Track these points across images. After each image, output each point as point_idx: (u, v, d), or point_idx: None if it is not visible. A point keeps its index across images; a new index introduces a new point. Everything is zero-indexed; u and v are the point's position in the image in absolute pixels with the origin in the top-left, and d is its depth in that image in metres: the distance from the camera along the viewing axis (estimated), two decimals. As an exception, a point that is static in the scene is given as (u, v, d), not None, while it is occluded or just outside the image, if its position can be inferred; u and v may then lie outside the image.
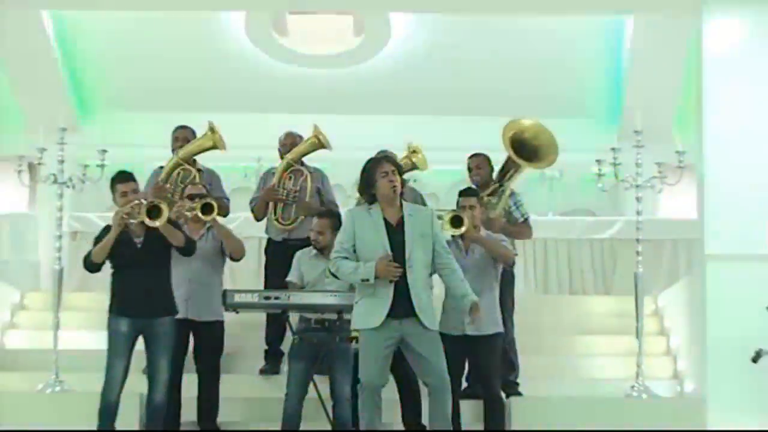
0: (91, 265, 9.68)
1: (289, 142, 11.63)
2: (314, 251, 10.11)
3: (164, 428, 10.06)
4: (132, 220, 9.36)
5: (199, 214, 10.29)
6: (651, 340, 12.27)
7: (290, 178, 11.45)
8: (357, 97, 15.70)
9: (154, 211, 9.34)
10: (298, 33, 16.24)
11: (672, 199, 13.88)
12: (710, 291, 11.23)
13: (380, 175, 8.96)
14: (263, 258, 11.83)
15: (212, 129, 11.32)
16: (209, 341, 10.58)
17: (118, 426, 9.62)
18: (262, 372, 11.45)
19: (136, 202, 9.44)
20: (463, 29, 15.46)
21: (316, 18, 16.00)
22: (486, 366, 10.05)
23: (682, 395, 11.74)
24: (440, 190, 12.96)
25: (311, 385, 10.02)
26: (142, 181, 10.31)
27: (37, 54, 15.26)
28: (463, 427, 9.91)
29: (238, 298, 10.12)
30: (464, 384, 10.40)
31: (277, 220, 11.35)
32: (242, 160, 12.05)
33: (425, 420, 9.94)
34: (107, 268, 9.81)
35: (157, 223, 9.33)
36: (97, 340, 10.48)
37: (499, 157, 11.22)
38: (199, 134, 11.47)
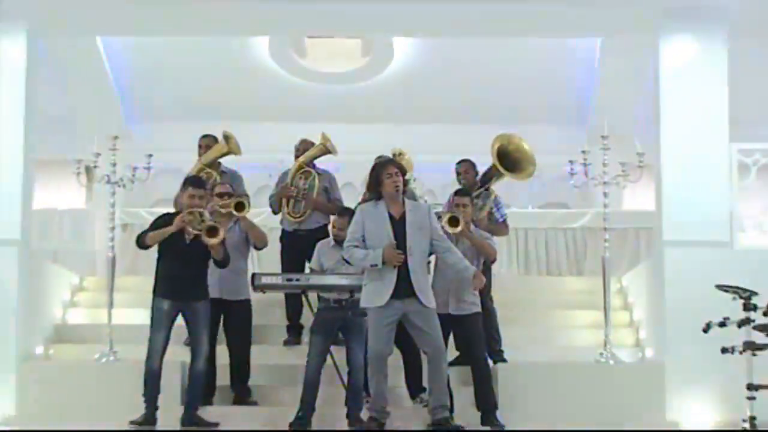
0: (143, 245, 9.82)
1: (303, 147, 11.70)
2: (333, 242, 10.21)
3: (203, 392, 10.22)
4: (190, 228, 9.53)
5: (233, 211, 10.42)
6: (616, 314, 12.28)
7: (301, 178, 11.53)
8: (365, 109, 15.72)
9: (213, 231, 9.51)
10: (315, 54, 16.26)
11: (634, 193, 13.91)
12: (667, 272, 11.30)
13: (386, 176, 9.16)
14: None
15: (226, 137, 11.39)
16: (239, 317, 10.67)
17: (162, 389, 9.76)
18: (286, 343, 11.51)
19: (198, 210, 9.64)
20: (455, 51, 15.47)
21: (330, 41, 16.03)
22: (469, 337, 10.16)
23: (643, 360, 11.79)
24: (436, 188, 13.00)
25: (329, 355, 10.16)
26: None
27: (92, 72, 15.29)
28: (452, 390, 10.00)
29: (265, 280, 10.33)
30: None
31: (289, 213, 11.43)
32: (266, 162, 12.08)
33: (425, 383, 10.04)
34: (152, 254, 9.95)
35: (212, 242, 9.51)
36: (144, 317, 10.47)
37: (484, 159, 11.27)
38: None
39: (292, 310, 11.53)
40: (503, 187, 11.82)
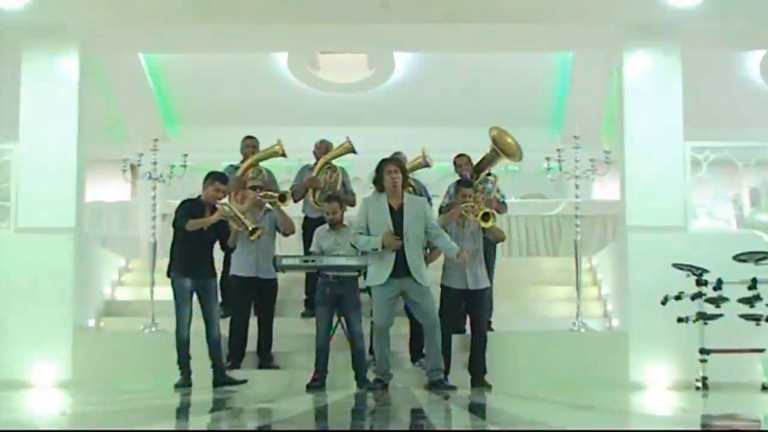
0: (180, 229, 9.81)
1: (324, 146, 11.65)
2: (328, 227, 10.18)
3: (231, 357, 10.27)
4: (232, 222, 9.72)
5: (278, 202, 10.54)
6: (587, 289, 12.27)
7: (327, 173, 11.51)
8: (370, 114, 15.70)
9: (254, 230, 9.73)
10: (327, 67, 16.25)
11: (601, 185, 13.90)
12: (630, 253, 11.30)
13: (386, 173, 9.29)
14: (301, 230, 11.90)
15: (280, 144, 11.38)
16: (268, 293, 10.70)
17: (192, 354, 9.80)
18: (303, 315, 11.49)
19: (227, 205, 9.85)
20: (447, 64, 15.44)
21: (340, 56, 16.02)
22: (479, 312, 10.20)
23: (610, 329, 11.78)
24: (432, 181, 13.01)
25: (338, 326, 10.16)
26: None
27: (135, 83, 15.29)
28: (453, 354, 10.03)
29: (285, 262, 10.36)
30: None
31: (315, 202, 11.41)
32: (287, 160, 12.07)
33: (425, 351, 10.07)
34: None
35: (252, 238, 9.78)
36: (181, 294, 10.56)
37: (475, 155, 11.28)
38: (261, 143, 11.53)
39: (311, 287, 11.52)
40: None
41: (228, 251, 10.15)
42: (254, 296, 10.64)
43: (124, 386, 9.94)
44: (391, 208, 9.28)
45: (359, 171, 13.32)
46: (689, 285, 10.21)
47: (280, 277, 10.91)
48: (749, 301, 9.87)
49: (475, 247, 10.00)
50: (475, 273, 10.05)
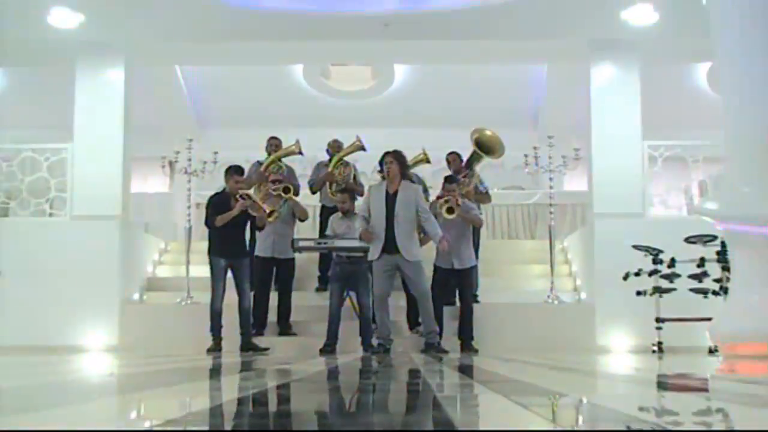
0: (212, 226, 9.86)
1: (336, 145, 11.64)
2: (341, 214, 10.21)
3: (255, 326, 10.28)
4: (251, 211, 9.73)
5: (282, 194, 10.51)
6: (559, 267, 12.29)
7: (340, 168, 11.50)
8: (373, 117, 15.67)
9: (270, 214, 9.92)
10: (336, 77, 16.24)
11: (572, 178, 13.90)
12: (596, 236, 11.34)
13: (385, 163, 9.34)
14: (317, 218, 11.90)
15: (297, 144, 11.37)
16: (286, 271, 10.71)
17: (223, 322, 9.85)
18: (317, 290, 11.52)
19: (247, 193, 9.83)
20: (440, 74, 15.46)
21: (348, 68, 16.00)
22: (465, 287, 10.28)
23: (579, 301, 11.80)
24: (426, 176, 12.99)
25: (346, 300, 10.20)
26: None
27: (172, 91, 15.30)
28: (444, 324, 10.07)
29: (302, 244, 10.42)
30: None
31: (331, 193, 11.42)
32: (302, 157, 12.09)
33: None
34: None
35: (269, 220, 10.00)
36: (212, 271, 10.59)
37: (463, 152, 11.27)
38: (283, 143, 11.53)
39: (324, 266, 11.55)
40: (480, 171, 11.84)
41: (257, 230, 10.15)
42: (273, 273, 10.67)
43: (164, 350, 9.95)
44: (387, 193, 9.35)
45: (364, 166, 13.31)
46: (647, 263, 10.22)
47: (298, 257, 10.93)
48: (698, 277, 9.88)
49: (460, 232, 10.04)
50: (460, 254, 10.11)
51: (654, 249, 10.21)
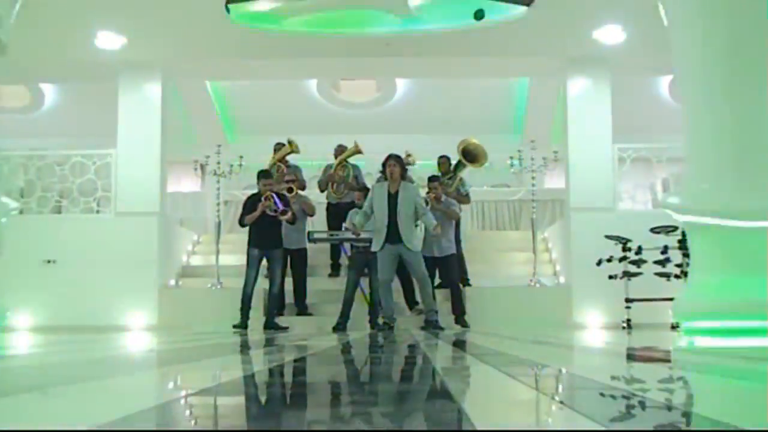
0: (244, 225, 9.93)
1: (340, 150, 11.68)
2: (357, 210, 10.23)
3: (277, 308, 10.29)
4: (268, 211, 9.71)
5: (285, 192, 10.52)
6: (541, 255, 12.26)
7: (341, 170, 11.52)
8: (377, 125, 15.66)
9: (284, 212, 9.74)
10: (346, 90, 16.21)
11: (551, 177, 13.88)
12: (573, 227, 11.33)
13: (387, 166, 9.32)
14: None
15: (289, 141, 11.39)
16: (299, 259, 10.73)
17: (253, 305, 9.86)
18: (330, 276, 11.54)
19: (271, 195, 9.76)
20: (435, 87, 15.41)
21: (355, 82, 15.96)
22: (448, 270, 10.34)
23: (558, 284, 11.79)
24: (424, 176, 12.99)
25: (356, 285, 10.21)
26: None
27: (202, 103, 15.26)
28: (438, 305, 10.07)
29: (316, 236, 10.44)
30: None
31: (333, 192, 11.45)
32: (316, 160, 12.09)
33: (417, 299, 10.12)
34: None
35: (283, 218, 9.78)
36: (239, 260, 10.59)
37: (454, 155, 11.27)
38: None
39: (335, 254, 11.59)
40: (469, 174, 11.82)
41: (289, 223, 10.06)
42: (288, 262, 10.65)
43: (196, 329, 9.97)
44: (389, 192, 9.33)
45: (369, 168, 13.32)
46: (617, 251, 10.21)
47: (313, 247, 10.95)
48: (662, 263, 9.87)
49: (442, 225, 10.06)
50: (441, 244, 10.23)
51: (623, 238, 10.20)
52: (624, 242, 10.18)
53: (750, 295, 7.41)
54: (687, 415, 2.04)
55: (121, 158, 11.66)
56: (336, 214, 11.28)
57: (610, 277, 10.16)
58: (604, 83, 11.70)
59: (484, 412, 2.07)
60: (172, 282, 11.88)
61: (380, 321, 9.58)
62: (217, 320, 10.35)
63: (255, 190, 10.19)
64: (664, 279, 9.88)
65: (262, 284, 10.11)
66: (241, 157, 12.01)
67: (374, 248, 9.32)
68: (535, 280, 11.43)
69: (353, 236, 9.79)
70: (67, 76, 13.46)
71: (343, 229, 10.51)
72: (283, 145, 11.54)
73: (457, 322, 10.07)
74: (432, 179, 10.67)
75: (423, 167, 12.82)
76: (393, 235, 9.20)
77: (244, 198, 10.36)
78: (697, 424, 1.86)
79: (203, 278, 11.95)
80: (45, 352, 5.51)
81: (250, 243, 9.90)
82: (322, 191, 11.75)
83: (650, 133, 12.79)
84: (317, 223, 12.03)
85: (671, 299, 8.55)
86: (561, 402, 2.23)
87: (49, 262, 11.18)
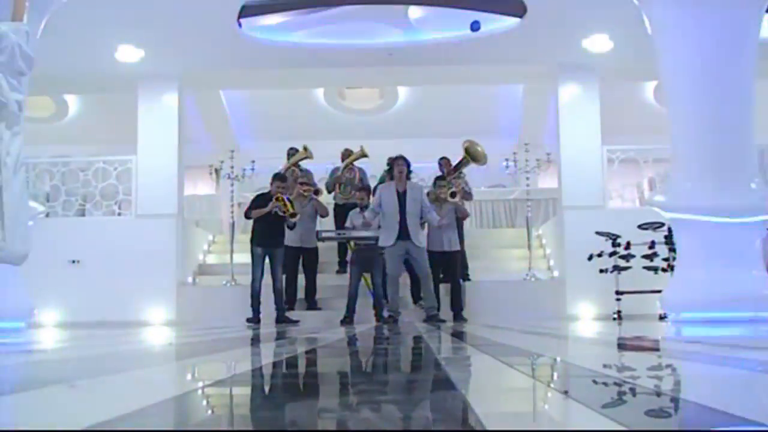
0: (249, 217, 9.94)
1: (346, 153, 11.69)
2: (359, 209, 10.22)
3: (287, 302, 10.28)
4: (278, 211, 9.72)
5: (312, 195, 10.63)
6: (536, 251, 12.28)
7: (347, 172, 11.52)
8: (380, 131, 15.64)
9: (293, 215, 9.80)
10: (351, 97, 16.20)
11: (545, 178, 13.87)
12: (566, 224, 11.31)
13: (396, 166, 9.35)
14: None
15: (305, 148, 11.38)
16: (311, 257, 10.74)
17: (262, 299, 9.90)
18: (337, 272, 11.53)
19: (282, 197, 9.77)
20: (436, 93, 15.38)
21: (360, 90, 15.95)
22: (452, 266, 10.26)
23: (552, 278, 11.77)
24: (426, 177, 12.98)
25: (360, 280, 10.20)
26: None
27: (217, 111, 15.27)
28: (440, 298, 10.07)
29: (324, 234, 10.44)
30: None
31: (340, 193, 11.45)
32: (325, 164, 12.10)
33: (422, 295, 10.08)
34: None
35: (292, 220, 9.82)
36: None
37: (454, 157, 11.25)
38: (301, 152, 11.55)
39: (342, 252, 11.57)
40: (468, 174, 11.81)
41: (288, 227, 10.04)
42: (300, 260, 10.66)
43: (212, 323, 9.98)
44: (397, 192, 9.33)
45: (374, 170, 13.34)
46: (607, 246, 10.21)
47: (321, 245, 10.95)
48: (649, 257, 9.89)
49: (448, 222, 10.05)
50: (450, 239, 10.15)
51: (613, 234, 10.19)
52: (614, 238, 10.17)
53: (733, 286, 7.42)
54: (675, 400, 2.04)
55: (141, 164, 11.68)
56: (343, 215, 11.27)
57: (601, 271, 10.15)
58: (593, 89, 11.69)
59: (483, 398, 2.07)
60: (190, 279, 11.89)
61: (385, 314, 9.58)
62: (231, 315, 10.36)
63: (266, 191, 10.18)
64: (651, 272, 9.89)
65: (269, 280, 10.10)
66: (253, 161, 12.03)
67: (385, 244, 9.30)
68: (531, 274, 11.41)
69: (362, 234, 9.79)
70: (89, 88, 13.48)
71: (349, 223, 10.48)
72: (297, 150, 11.54)
73: (455, 318, 10.03)
74: (439, 179, 10.65)
75: (423, 169, 12.82)
76: (403, 231, 9.20)
77: (256, 198, 10.37)
78: (684, 409, 1.86)
79: (218, 276, 11.96)
80: (71, 346, 5.51)
81: (254, 242, 9.93)
82: (329, 193, 11.77)
83: (637, 135, 12.77)
84: (324, 222, 12.08)
85: (659, 291, 8.57)
86: (565, 391, 2.23)
87: (73, 262, 11.20)
